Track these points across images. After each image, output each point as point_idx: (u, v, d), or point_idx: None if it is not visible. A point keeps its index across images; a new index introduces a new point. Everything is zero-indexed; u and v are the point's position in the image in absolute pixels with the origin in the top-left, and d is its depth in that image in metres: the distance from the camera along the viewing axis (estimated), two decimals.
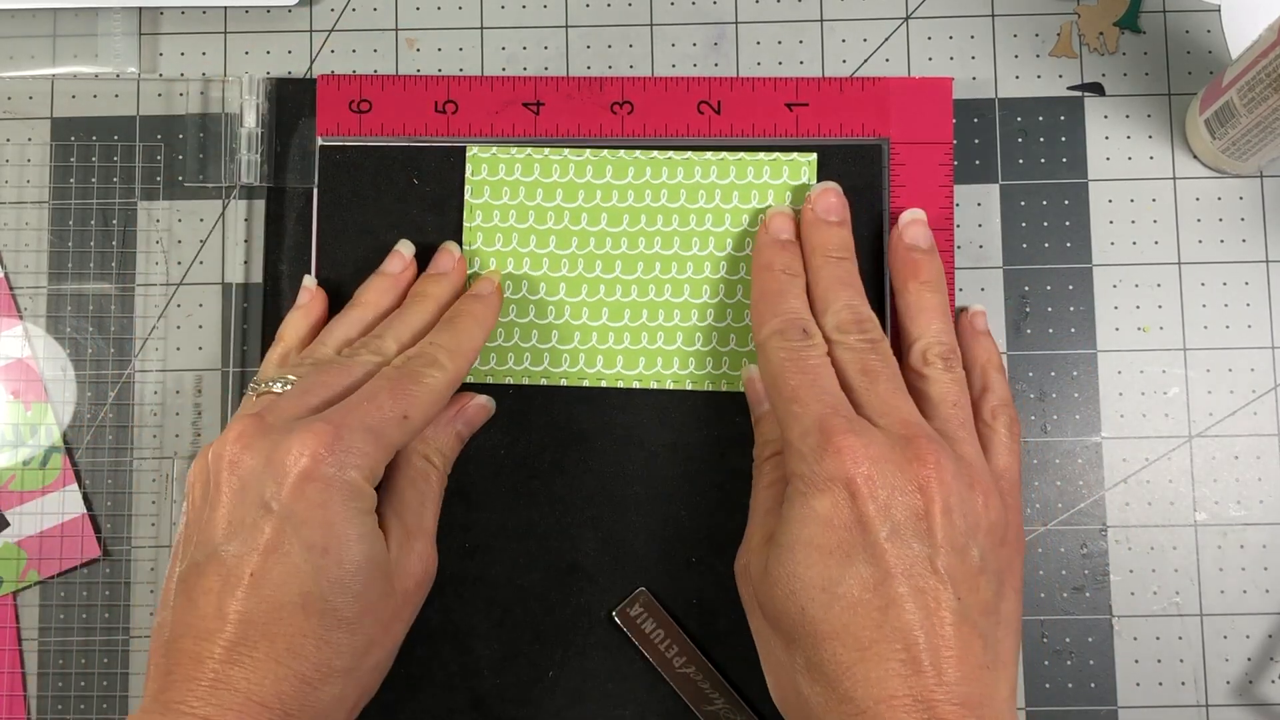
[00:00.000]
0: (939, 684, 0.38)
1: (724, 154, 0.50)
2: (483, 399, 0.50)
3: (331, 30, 0.53)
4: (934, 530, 0.40)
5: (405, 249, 0.50)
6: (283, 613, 0.39)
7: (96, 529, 0.50)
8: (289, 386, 0.44)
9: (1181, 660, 0.49)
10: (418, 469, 0.46)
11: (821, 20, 0.52)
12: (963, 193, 0.51)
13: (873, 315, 0.45)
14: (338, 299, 0.50)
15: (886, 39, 0.52)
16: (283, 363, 0.48)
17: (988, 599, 0.40)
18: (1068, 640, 0.49)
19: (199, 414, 0.51)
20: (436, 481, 0.47)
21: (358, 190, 0.51)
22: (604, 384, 0.50)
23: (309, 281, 0.50)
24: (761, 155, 0.50)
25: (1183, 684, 0.49)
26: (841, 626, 0.39)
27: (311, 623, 0.39)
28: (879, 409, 0.42)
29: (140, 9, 0.53)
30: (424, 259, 0.50)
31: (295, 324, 0.49)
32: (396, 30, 0.53)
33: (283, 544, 0.40)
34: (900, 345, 0.47)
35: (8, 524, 0.50)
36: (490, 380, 0.50)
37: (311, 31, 0.53)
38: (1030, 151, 0.51)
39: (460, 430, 0.49)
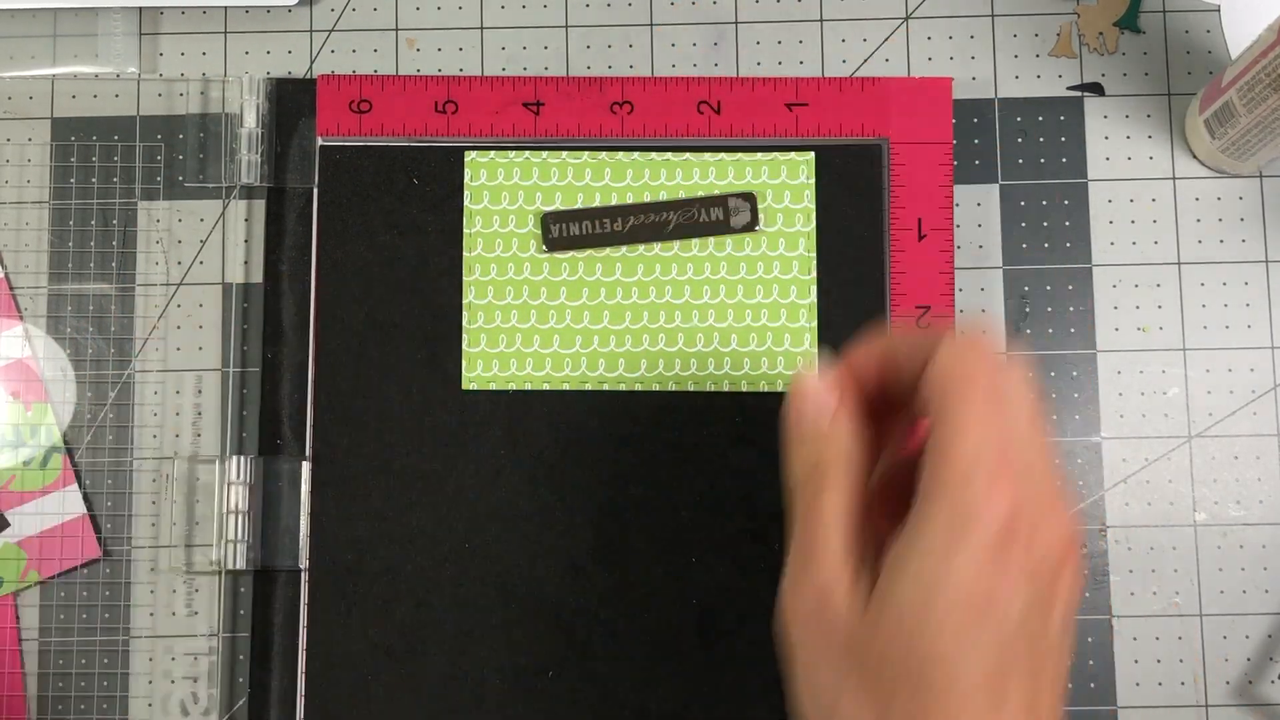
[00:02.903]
0: None
1: (721, 154, 0.50)
2: None
3: (331, 30, 0.53)
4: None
5: None
6: None
7: (96, 529, 0.50)
8: None
9: (1181, 660, 0.49)
10: None
11: (821, 20, 0.52)
12: (963, 193, 0.51)
13: None
14: (338, 301, 0.50)
15: (886, 39, 0.52)
16: None
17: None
18: None
19: (199, 414, 0.51)
20: None
21: (358, 190, 0.51)
22: (605, 388, 0.50)
23: None
24: (760, 155, 0.50)
25: (1183, 684, 0.49)
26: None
27: None
28: None
29: (140, 9, 0.53)
30: (424, 259, 0.50)
31: None
32: (396, 30, 0.53)
33: None
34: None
35: (8, 524, 0.50)
36: (493, 387, 0.50)
37: (311, 31, 0.53)
38: (1030, 151, 0.51)
39: None
